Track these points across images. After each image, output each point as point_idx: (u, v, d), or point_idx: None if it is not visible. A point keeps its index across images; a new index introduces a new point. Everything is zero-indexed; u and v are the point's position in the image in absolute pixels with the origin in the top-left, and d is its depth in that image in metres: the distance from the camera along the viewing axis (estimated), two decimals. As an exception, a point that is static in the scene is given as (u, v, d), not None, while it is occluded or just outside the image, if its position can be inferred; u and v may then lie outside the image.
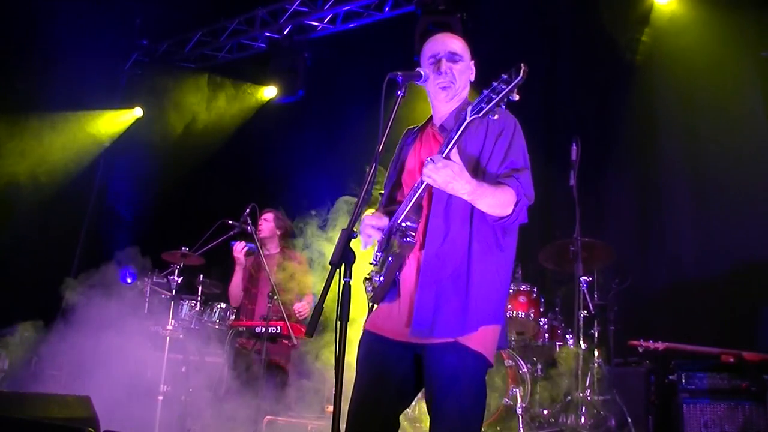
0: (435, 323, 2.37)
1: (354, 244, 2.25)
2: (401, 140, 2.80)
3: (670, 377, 4.71)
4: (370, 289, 2.58)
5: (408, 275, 2.48)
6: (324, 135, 7.38)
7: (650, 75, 6.04)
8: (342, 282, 2.16)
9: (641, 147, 6.06)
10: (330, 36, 7.81)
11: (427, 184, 2.34)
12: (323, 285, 2.17)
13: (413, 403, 4.62)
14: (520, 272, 5.39)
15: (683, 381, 4.58)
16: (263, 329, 5.08)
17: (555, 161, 6.07)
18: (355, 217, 2.29)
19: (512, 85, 2.14)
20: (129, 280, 5.93)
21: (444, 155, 2.26)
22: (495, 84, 2.17)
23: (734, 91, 5.69)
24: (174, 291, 5.44)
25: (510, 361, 4.91)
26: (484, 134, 2.49)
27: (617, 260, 5.26)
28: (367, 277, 2.59)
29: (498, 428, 4.76)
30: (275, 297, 5.05)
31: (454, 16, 6.32)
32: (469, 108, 2.24)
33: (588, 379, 4.89)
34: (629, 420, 4.69)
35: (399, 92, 2.41)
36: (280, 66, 7.76)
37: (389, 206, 2.67)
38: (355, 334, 2.53)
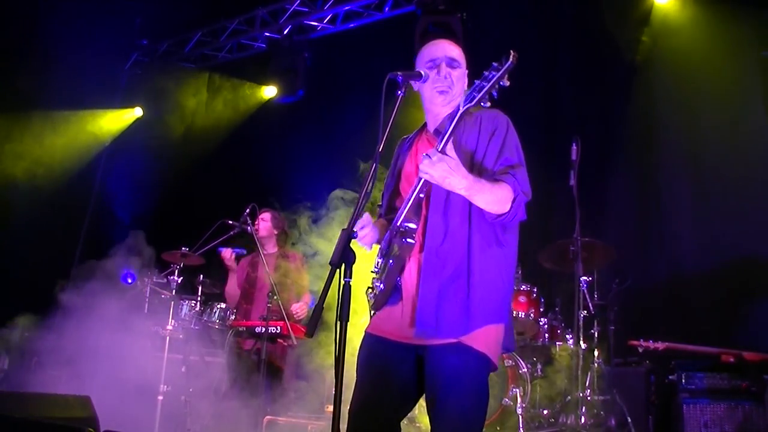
0: (439, 322, 2.36)
1: (354, 244, 2.25)
2: (396, 149, 2.79)
3: (670, 377, 4.71)
4: (371, 296, 2.57)
5: (409, 277, 2.47)
6: (324, 135, 7.37)
7: (650, 75, 6.04)
8: (342, 282, 2.16)
9: (641, 147, 6.06)
10: (330, 36, 7.81)
11: (425, 182, 2.34)
12: (323, 285, 2.17)
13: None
14: (520, 272, 5.39)
15: (683, 381, 4.58)
16: (263, 329, 5.08)
17: (555, 161, 6.06)
18: (355, 217, 2.29)
19: (503, 70, 2.16)
20: (129, 281, 5.93)
21: (440, 149, 2.26)
22: (486, 73, 2.20)
23: (734, 90, 5.69)
24: (174, 291, 5.44)
25: (510, 361, 4.92)
26: (477, 134, 2.50)
27: (617, 260, 5.25)
28: (370, 286, 2.58)
29: (498, 428, 4.76)
30: (275, 297, 5.05)
31: (454, 16, 6.32)
32: (462, 99, 2.25)
33: (588, 379, 4.89)
34: (629, 420, 4.69)
35: (399, 92, 2.42)
36: (280, 66, 7.76)
37: (388, 215, 2.67)
38: (355, 334, 2.54)
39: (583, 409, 4.67)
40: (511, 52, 2.14)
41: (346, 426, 2.37)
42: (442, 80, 2.55)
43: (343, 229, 2.24)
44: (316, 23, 7.81)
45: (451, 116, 2.31)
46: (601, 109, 6.29)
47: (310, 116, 7.77)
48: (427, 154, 2.27)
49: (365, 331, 2.55)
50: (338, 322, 2.13)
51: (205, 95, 8.39)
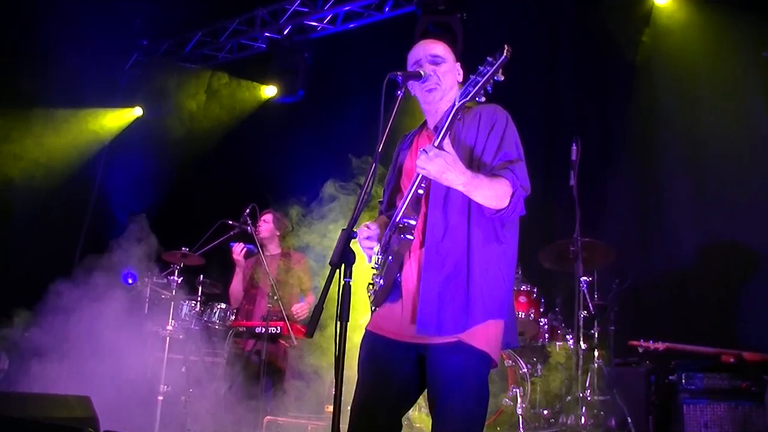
0: (440, 320, 2.36)
1: (354, 244, 2.25)
2: (397, 146, 2.81)
3: (670, 377, 4.70)
4: (371, 292, 2.57)
5: (409, 274, 2.47)
6: (324, 135, 7.38)
7: (650, 75, 6.04)
8: (342, 282, 2.16)
9: (641, 147, 6.06)
10: (330, 36, 7.81)
11: (423, 179, 2.34)
12: (323, 285, 2.18)
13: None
14: (520, 272, 5.39)
15: (683, 381, 4.58)
16: (263, 329, 5.09)
17: (555, 161, 6.07)
18: (355, 217, 2.29)
19: (497, 65, 2.17)
20: (130, 281, 5.93)
21: (436, 145, 2.26)
22: (480, 68, 2.21)
23: (734, 90, 5.68)
24: (174, 291, 5.44)
25: (510, 361, 4.92)
26: (476, 129, 2.50)
27: (617, 260, 5.25)
28: (370, 282, 2.59)
29: (498, 428, 4.76)
30: (275, 297, 5.06)
31: (454, 16, 6.32)
32: (458, 95, 2.27)
33: (588, 379, 4.88)
34: (629, 420, 4.69)
35: (399, 92, 2.44)
36: (280, 66, 7.76)
37: (389, 211, 2.67)
38: (355, 335, 2.54)
39: (583, 409, 4.67)
40: (506, 46, 2.16)
41: (347, 425, 2.37)
42: (429, 78, 2.57)
43: (343, 230, 2.24)
44: (316, 23, 7.81)
45: (448, 112, 2.31)
46: (601, 109, 6.28)
47: (310, 116, 7.77)
48: (423, 150, 2.27)
49: (366, 329, 2.56)
50: (338, 322, 2.13)
51: (205, 95, 8.38)
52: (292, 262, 5.63)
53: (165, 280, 5.68)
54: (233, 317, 5.60)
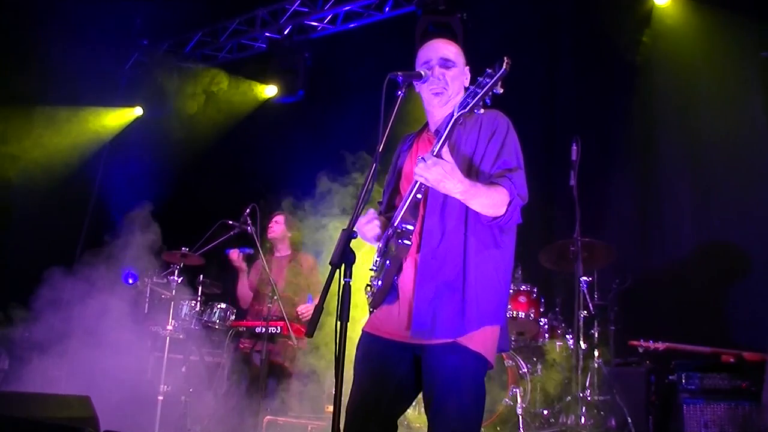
0: (435, 324, 2.38)
1: (354, 244, 2.25)
2: (398, 147, 2.81)
3: (670, 377, 4.70)
4: (369, 294, 2.59)
5: (406, 278, 2.48)
6: (324, 135, 7.37)
7: (650, 75, 6.04)
8: (342, 282, 2.17)
9: (641, 147, 6.06)
10: (330, 36, 7.81)
11: (421, 185, 2.35)
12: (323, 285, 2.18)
13: (414, 403, 4.63)
14: (520, 272, 5.39)
15: (683, 381, 4.57)
16: (263, 329, 5.09)
17: (555, 161, 6.07)
18: (355, 217, 2.29)
19: (496, 77, 2.17)
20: (131, 281, 5.93)
21: (435, 153, 2.27)
22: (480, 79, 2.20)
23: (734, 91, 5.68)
24: (174, 291, 5.44)
25: (510, 361, 4.91)
26: (476, 135, 2.50)
27: (617, 260, 5.25)
28: (368, 283, 2.60)
29: (498, 428, 4.76)
30: (275, 297, 5.06)
31: (454, 16, 6.32)
32: (457, 105, 2.26)
33: (588, 379, 4.88)
34: (629, 420, 4.69)
35: (399, 92, 2.43)
36: (281, 66, 7.76)
37: (388, 213, 2.68)
38: (355, 335, 2.54)
39: (583, 409, 4.67)
40: (505, 59, 2.15)
41: (344, 426, 2.38)
42: (437, 82, 2.56)
43: (343, 230, 2.24)
44: (316, 23, 7.81)
45: (448, 119, 2.31)
46: (601, 109, 6.28)
47: (310, 116, 7.77)
48: (422, 158, 2.27)
49: (363, 330, 2.57)
50: (338, 322, 2.14)
51: (205, 95, 8.38)
52: (301, 263, 5.64)
53: (165, 280, 5.68)
54: (233, 317, 5.60)
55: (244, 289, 5.68)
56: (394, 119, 2.40)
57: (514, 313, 5.20)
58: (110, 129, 8.51)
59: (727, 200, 5.56)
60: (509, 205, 2.38)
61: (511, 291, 5.21)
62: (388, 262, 2.47)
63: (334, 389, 2.10)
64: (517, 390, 4.73)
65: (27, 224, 7.33)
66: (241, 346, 5.42)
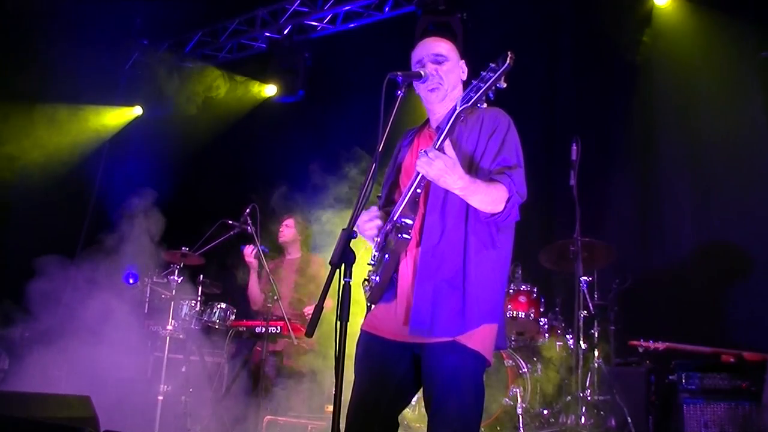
0: (434, 322, 2.38)
1: (354, 244, 2.25)
2: (399, 142, 2.81)
3: (670, 377, 4.71)
4: (367, 289, 2.59)
5: (405, 274, 2.48)
6: (324, 135, 7.37)
7: (650, 75, 6.04)
8: (342, 282, 2.17)
9: (641, 147, 6.06)
10: (330, 36, 7.81)
11: (422, 179, 2.35)
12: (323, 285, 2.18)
13: (414, 403, 4.63)
14: (520, 272, 5.38)
15: (683, 381, 4.58)
16: (263, 329, 5.10)
17: (555, 161, 6.07)
18: (356, 217, 2.29)
19: (499, 72, 2.17)
20: (131, 281, 5.93)
21: (437, 147, 2.27)
22: (483, 73, 2.21)
23: (734, 91, 5.68)
24: (174, 291, 5.44)
25: (510, 361, 4.91)
26: (478, 132, 2.51)
27: (617, 260, 5.26)
28: (366, 278, 2.60)
29: (498, 428, 4.76)
30: (275, 297, 5.07)
31: (454, 16, 6.32)
32: (459, 99, 2.26)
33: (588, 379, 4.88)
34: (629, 420, 4.69)
35: (399, 92, 2.44)
36: (280, 66, 7.76)
37: (387, 207, 2.68)
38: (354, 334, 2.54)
39: (583, 409, 4.67)
40: (509, 53, 2.15)
41: (344, 426, 2.38)
42: (431, 78, 2.57)
43: (343, 229, 2.24)
44: (316, 23, 7.81)
45: (450, 114, 2.31)
46: (601, 109, 6.28)
47: (310, 116, 7.76)
48: (424, 151, 2.28)
49: (361, 329, 2.57)
50: (338, 322, 2.14)
51: (205, 95, 8.38)
52: (311, 265, 5.66)
53: (165, 280, 5.68)
54: (233, 317, 5.60)
55: (254, 288, 5.67)
56: (393, 119, 2.40)
57: (514, 313, 5.19)
58: (110, 128, 8.51)
59: (727, 200, 5.56)
60: (508, 202, 2.39)
61: (511, 291, 5.23)
62: (386, 256, 2.47)
63: (334, 389, 2.10)
64: (517, 390, 4.72)
65: (27, 223, 7.33)
66: (241, 346, 5.43)
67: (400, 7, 7.27)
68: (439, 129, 2.53)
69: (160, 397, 5.03)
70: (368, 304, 2.60)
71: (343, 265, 2.18)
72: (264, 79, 8.07)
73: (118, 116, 8.60)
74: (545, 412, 5.03)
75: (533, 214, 6.14)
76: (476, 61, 2.70)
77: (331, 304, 2.20)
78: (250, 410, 4.97)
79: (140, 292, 5.98)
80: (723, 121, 5.63)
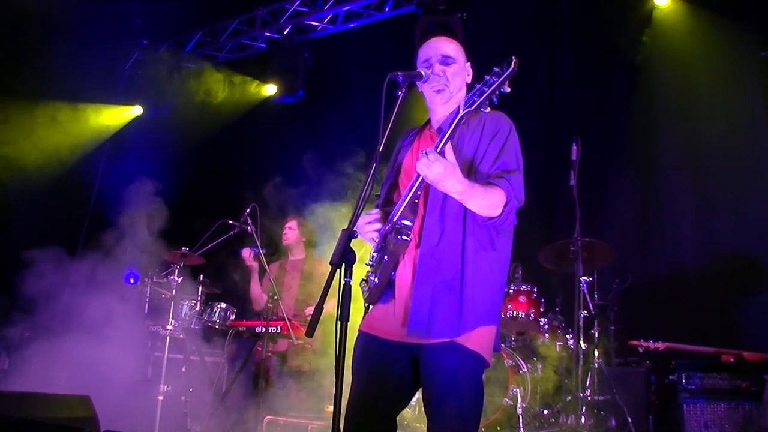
0: (431, 323, 2.38)
1: (354, 244, 2.25)
2: (399, 141, 2.81)
3: (671, 377, 4.71)
4: (366, 289, 2.59)
5: (403, 275, 2.48)
6: (324, 135, 7.37)
7: (651, 75, 6.04)
8: (342, 282, 2.17)
9: (641, 147, 6.06)
10: (330, 36, 7.81)
11: (422, 181, 2.35)
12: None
13: (414, 403, 4.64)
14: (520, 272, 5.39)
15: (683, 381, 4.58)
16: (263, 329, 5.10)
17: (555, 161, 6.07)
18: (356, 217, 2.29)
19: (503, 77, 2.16)
20: (132, 281, 5.93)
21: (438, 150, 2.27)
22: (487, 77, 2.19)
23: (734, 91, 5.68)
24: (174, 291, 5.44)
25: (510, 361, 4.91)
26: (479, 135, 2.51)
27: (617, 260, 5.26)
28: (364, 278, 2.60)
29: (498, 428, 4.76)
30: (275, 297, 5.07)
31: (454, 16, 6.32)
32: (462, 102, 2.26)
33: (588, 379, 4.88)
34: (629, 420, 4.69)
35: (399, 92, 2.43)
36: (280, 66, 7.76)
37: (386, 207, 2.68)
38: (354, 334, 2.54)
39: (583, 409, 4.67)
40: (513, 58, 2.14)
41: (343, 426, 2.38)
42: (437, 79, 2.57)
43: (343, 230, 2.24)
44: (316, 23, 7.81)
45: (452, 117, 2.31)
46: (601, 109, 6.29)
47: (310, 116, 7.76)
48: (426, 153, 2.27)
49: (359, 330, 2.57)
50: (338, 322, 2.14)
51: (205, 95, 8.38)
52: (315, 266, 5.66)
53: (165, 280, 5.68)
54: (233, 317, 5.60)
55: (256, 289, 5.67)
56: (394, 119, 2.40)
57: (514, 313, 5.20)
58: (109, 128, 8.51)
59: (727, 200, 5.56)
60: (506, 206, 2.39)
61: (511, 291, 5.23)
62: (385, 257, 2.47)
63: (334, 389, 2.10)
64: (517, 390, 4.72)
65: (27, 222, 7.32)
66: (241, 346, 5.43)
67: (400, 7, 7.27)
68: (440, 130, 2.53)
69: (160, 397, 5.03)
70: (366, 305, 2.59)
71: (343, 265, 2.18)
72: (264, 79, 8.07)
73: (118, 116, 8.60)
74: (545, 412, 5.03)
75: (533, 214, 6.15)
76: (476, 61, 2.71)
77: (331, 304, 2.20)
78: (250, 410, 4.97)
79: (140, 292, 5.98)
80: (723, 121, 5.63)
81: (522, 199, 2.45)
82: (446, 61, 2.60)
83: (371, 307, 2.58)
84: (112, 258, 5.81)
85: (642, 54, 6.07)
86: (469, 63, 2.70)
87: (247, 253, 5.50)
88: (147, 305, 5.97)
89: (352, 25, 7.65)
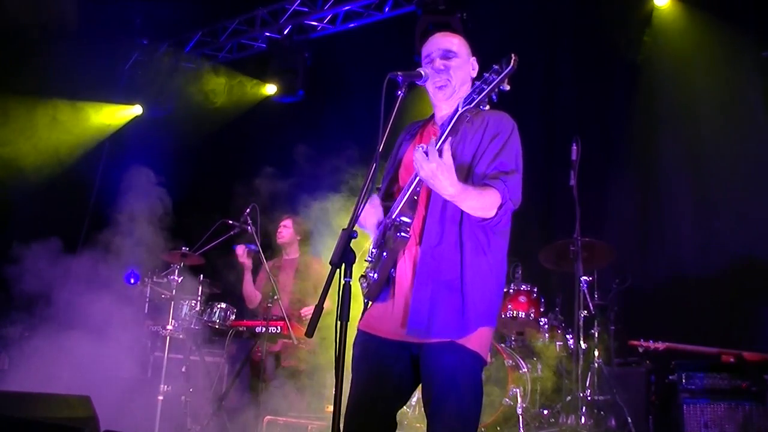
0: (431, 323, 2.38)
1: (354, 244, 2.25)
2: (401, 134, 2.79)
3: (671, 377, 4.71)
4: (365, 285, 2.58)
5: (403, 273, 2.48)
6: (324, 135, 7.38)
7: (651, 75, 6.04)
8: (342, 282, 2.16)
9: (641, 147, 6.06)
10: (330, 36, 7.81)
11: (421, 179, 2.35)
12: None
13: (414, 403, 4.63)
14: (520, 272, 5.38)
15: (683, 381, 4.58)
16: (263, 329, 5.10)
17: (555, 161, 6.07)
18: (356, 217, 2.29)
19: (503, 74, 2.14)
20: (132, 281, 5.93)
21: (437, 147, 2.25)
22: (486, 75, 2.18)
23: (734, 91, 5.68)
24: (174, 291, 5.44)
25: (510, 361, 4.91)
26: (481, 134, 2.50)
27: (617, 260, 5.26)
28: (363, 274, 2.59)
29: (498, 428, 4.76)
30: (275, 297, 5.07)
31: (454, 15, 6.32)
32: (462, 100, 2.25)
33: (588, 379, 4.88)
34: (629, 420, 4.69)
35: (399, 92, 2.42)
36: (280, 66, 7.76)
37: (386, 201, 2.67)
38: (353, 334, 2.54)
39: (583, 409, 4.67)
40: (512, 56, 2.13)
41: (343, 425, 2.38)
42: (438, 75, 2.56)
43: (343, 229, 2.24)
44: (316, 23, 7.81)
45: (453, 115, 2.30)
46: (601, 109, 6.29)
47: (310, 116, 7.76)
48: (425, 150, 2.24)
49: (358, 329, 2.57)
50: (338, 322, 2.13)
51: (204, 95, 8.37)
52: (310, 265, 5.66)
53: (165, 280, 5.68)
54: (233, 317, 5.60)
55: (249, 286, 5.66)
56: (393, 119, 2.40)
57: (514, 313, 5.20)
58: (110, 126, 8.51)
59: (727, 200, 5.56)
60: (500, 208, 2.38)
61: (511, 291, 5.23)
62: (384, 254, 2.47)
63: (334, 389, 2.10)
64: (517, 390, 4.72)
65: (27, 222, 7.32)
66: (241, 346, 5.43)
67: (400, 7, 7.27)
68: (443, 127, 2.53)
69: (160, 397, 5.03)
70: (365, 300, 2.59)
71: (343, 265, 2.17)
72: (264, 79, 8.06)
73: (117, 116, 8.60)
74: (545, 412, 5.03)
75: (533, 214, 6.15)
76: (476, 60, 2.70)
77: (329, 304, 2.20)
78: (250, 410, 4.97)
79: (140, 292, 5.98)
80: (723, 121, 5.63)
81: (518, 202, 2.45)
82: (447, 54, 2.59)
83: (370, 303, 2.58)
84: (113, 257, 5.81)
85: (642, 54, 6.07)
86: (474, 58, 2.67)
87: (241, 249, 5.50)
88: (147, 305, 5.97)
89: (352, 25, 7.65)
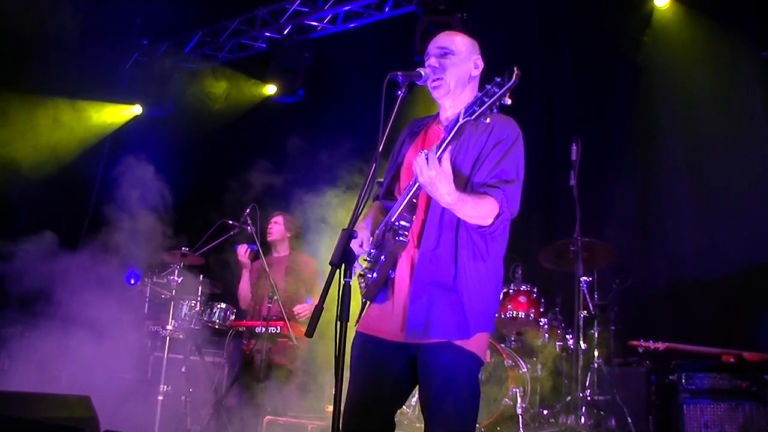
0: (429, 325, 2.39)
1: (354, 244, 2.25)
2: (404, 130, 2.78)
3: (671, 377, 4.70)
4: (363, 285, 2.59)
5: (401, 275, 2.48)
6: (324, 135, 7.37)
7: (651, 75, 6.04)
8: (342, 282, 2.16)
9: (641, 147, 6.06)
10: (330, 36, 7.81)
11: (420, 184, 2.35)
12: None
13: (413, 403, 4.63)
14: (520, 272, 5.38)
15: (683, 381, 4.57)
16: (263, 329, 5.10)
17: (555, 161, 6.07)
18: (356, 217, 2.29)
19: (504, 89, 2.11)
20: (132, 281, 5.93)
21: (437, 155, 2.25)
22: (488, 87, 2.15)
23: (734, 91, 5.68)
24: (174, 291, 5.44)
25: (510, 361, 4.91)
26: (485, 139, 2.49)
27: (617, 260, 5.25)
28: (360, 273, 2.60)
29: (498, 428, 4.75)
30: (275, 297, 5.07)
31: (454, 16, 6.32)
32: (462, 110, 2.23)
33: (588, 379, 4.88)
34: (629, 420, 4.69)
35: (399, 92, 2.41)
36: (280, 66, 7.76)
37: (386, 198, 2.67)
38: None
39: (583, 409, 4.67)
40: (515, 69, 2.09)
41: (341, 425, 2.38)
42: (432, 73, 2.55)
43: (343, 229, 2.24)
44: (316, 23, 7.81)
45: (454, 123, 2.26)
46: (601, 109, 6.28)
47: (310, 116, 7.76)
48: (426, 155, 2.24)
49: (356, 330, 2.57)
50: (338, 322, 2.13)
51: (204, 95, 8.38)
52: (300, 263, 5.66)
53: (165, 280, 5.68)
54: (233, 317, 5.60)
55: (245, 286, 5.68)
56: (393, 119, 2.40)
57: (514, 313, 5.19)
58: (110, 126, 8.51)
59: (727, 200, 5.56)
60: (497, 218, 2.38)
61: (511, 291, 5.23)
62: (382, 256, 2.48)
63: (334, 389, 2.10)
64: (517, 390, 4.72)
65: (27, 221, 7.31)
66: (241, 346, 5.42)
67: (400, 7, 7.27)
68: (447, 128, 2.51)
69: (160, 397, 5.03)
70: (364, 300, 2.60)
71: (343, 265, 2.17)
72: (264, 79, 8.06)
73: (117, 116, 8.60)
74: (545, 412, 5.03)
75: (533, 214, 6.15)
76: (482, 60, 2.69)
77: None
78: (250, 410, 4.97)
79: (140, 292, 5.98)
80: (723, 122, 5.63)
81: (515, 212, 2.45)
82: (442, 52, 2.57)
83: (368, 303, 2.58)
84: (113, 257, 5.81)
85: (642, 54, 6.07)
86: (477, 57, 2.63)
87: (243, 249, 5.51)
88: (147, 305, 5.97)
89: (352, 25, 7.65)
